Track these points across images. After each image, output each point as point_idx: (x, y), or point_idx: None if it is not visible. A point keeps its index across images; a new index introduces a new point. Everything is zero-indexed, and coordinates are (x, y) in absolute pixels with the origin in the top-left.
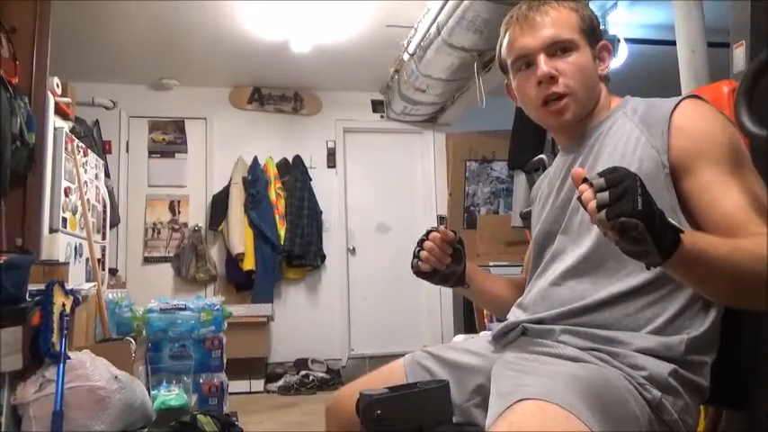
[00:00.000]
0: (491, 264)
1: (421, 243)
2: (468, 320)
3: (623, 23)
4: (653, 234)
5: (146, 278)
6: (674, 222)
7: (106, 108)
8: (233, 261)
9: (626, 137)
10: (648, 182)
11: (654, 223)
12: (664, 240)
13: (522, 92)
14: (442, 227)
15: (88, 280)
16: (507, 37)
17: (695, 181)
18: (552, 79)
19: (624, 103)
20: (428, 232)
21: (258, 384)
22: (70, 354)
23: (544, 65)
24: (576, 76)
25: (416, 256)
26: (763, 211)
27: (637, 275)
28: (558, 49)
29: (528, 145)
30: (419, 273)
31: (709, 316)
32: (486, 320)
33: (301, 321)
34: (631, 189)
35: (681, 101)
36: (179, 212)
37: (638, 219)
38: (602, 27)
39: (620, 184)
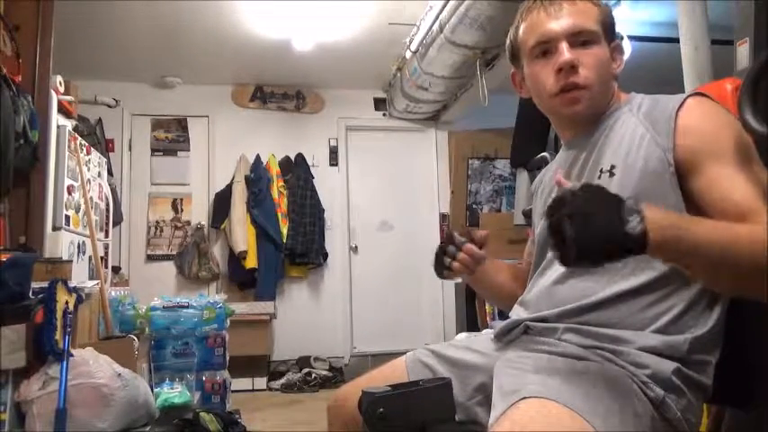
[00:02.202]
0: None
1: (444, 251)
2: (470, 319)
3: (626, 20)
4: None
5: (148, 276)
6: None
7: (109, 106)
8: (235, 259)
9: (630, 133)
10: (654, 180)
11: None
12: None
13: (537, 79)
14: (468, 244)
15: (91, 278)
16: (527, 21)
17: (703, 179)
18: (573, 69)
19: (629, 100)
20: (450, 239)
21: (261, 382)
22: (73, 351)
23: (568, 52)
24: (596, 69)
25: (446, 266)
26: None
27: (640, 274)
28: (581, 39)
29: (530, 143)
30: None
31: (713, 315)
32: (488, 318)
33: (304, 319)
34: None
35: (686, 99)
36: (182, 210)
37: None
38: None
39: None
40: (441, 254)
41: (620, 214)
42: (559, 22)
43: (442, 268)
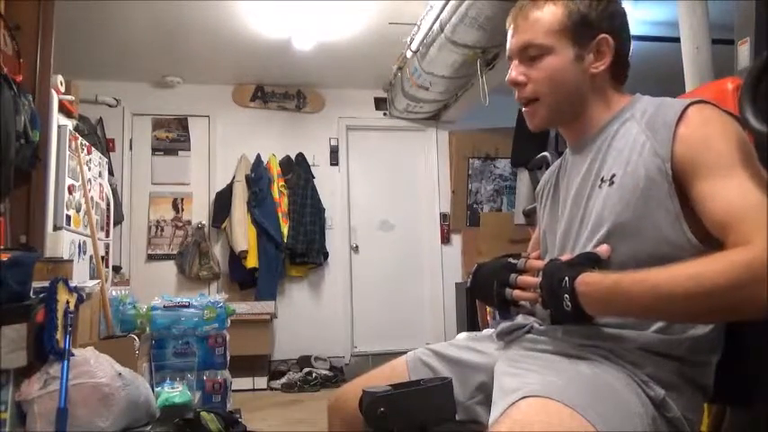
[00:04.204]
0: None
1: (505, 283)
2: (471, 318)
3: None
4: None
5: (149, 275)
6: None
7: (110, 106)
8: (236, 259)
9: (632, 141)
10: (652, 189)
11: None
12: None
13: None
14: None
15: (92, 277)
16: None
17: (696, 190)
18: (518, 85)
19: (633, 103)
20: (509, 267)
21: (261, 382)
22: (74, 351)
23: (512, 71)
24: (545, 82)
25: (510, 300)
26: (762, 211)
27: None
28: (530, 54)
29: (531, 143)
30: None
31: None
32: (488, 318)
33: (304, 319)
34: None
35: (686, 108)
36: (182, 210)
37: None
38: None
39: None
40: (504, 285)
41: (561, 295)
42: (513, 41)
43: (506, 305)
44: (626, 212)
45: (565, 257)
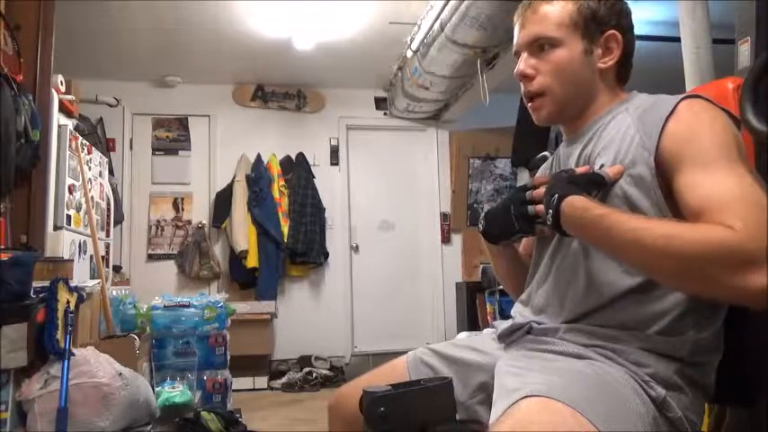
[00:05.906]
0: None
1: (524, 200)
2: (471, 318)
3: None
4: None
5: (150, 275)
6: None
7: (110, 105)
8: (236, 258)
9: (622, 134)
10: (639, 182)
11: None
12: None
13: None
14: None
15: (92, 277)
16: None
17: (677, 183)
18: (527, 78)
19: (629, 99)
20: (523, 188)
21: (262, 381)
22: (74, 350)
23: (521, 63)
24: (554, 74)
25: (533, 216)
26: (744, 203)
27: (639, 274)
28: (539, 46)
29: (531, 142)
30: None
31: (715, 317)
32: (489, 318)
33: (305, 318)
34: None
35: (678, 103)
36: (183, 210)
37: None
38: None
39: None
40: (523, 203)
41: (547, 207)
42: (522, 34)
43: (530, 222)
44: (611, 203)
45: (580, 170)
